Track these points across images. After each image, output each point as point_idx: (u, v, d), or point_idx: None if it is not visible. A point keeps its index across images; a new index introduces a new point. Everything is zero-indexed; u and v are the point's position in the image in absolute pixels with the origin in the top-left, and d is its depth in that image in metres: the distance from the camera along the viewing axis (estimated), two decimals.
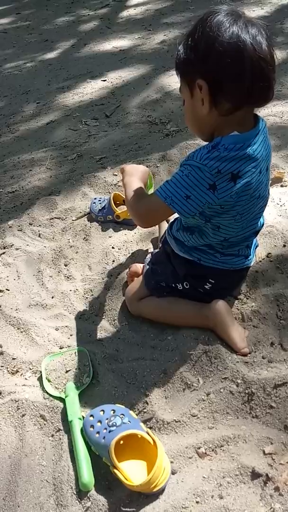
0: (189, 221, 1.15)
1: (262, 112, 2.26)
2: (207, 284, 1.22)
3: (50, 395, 1.17)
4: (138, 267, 1.44)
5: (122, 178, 1.29)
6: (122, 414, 1.03)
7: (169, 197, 1.02)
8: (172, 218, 1.30)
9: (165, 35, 3.76)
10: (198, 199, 1.01)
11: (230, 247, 1.17)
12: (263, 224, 1.24)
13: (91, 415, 1.06)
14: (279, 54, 2.92)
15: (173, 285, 1.26)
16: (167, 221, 1.42)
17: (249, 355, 1.15)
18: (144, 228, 1.32)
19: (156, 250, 1.37)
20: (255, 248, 1.31)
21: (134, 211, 1.17)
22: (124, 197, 1.75)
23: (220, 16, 0.93)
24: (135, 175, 1.25)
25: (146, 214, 1.14)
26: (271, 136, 2.02)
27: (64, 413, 1.13)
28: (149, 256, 1.37)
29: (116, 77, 3.15)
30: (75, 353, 1.27)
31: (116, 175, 2.01)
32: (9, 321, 1.43)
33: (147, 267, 1.34)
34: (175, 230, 1.24)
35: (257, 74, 0.92)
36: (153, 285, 1.29)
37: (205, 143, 1.04)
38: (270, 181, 1.15)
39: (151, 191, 1.39)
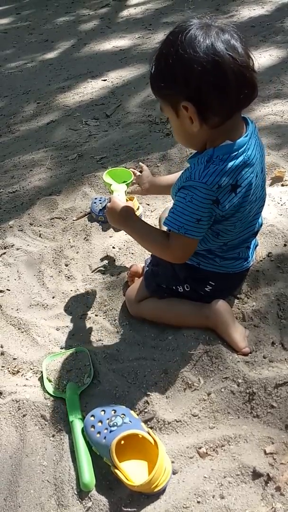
0: None
1: (262, 111, 2.25)
2: (208, 286, 1.22)
3: (51, 395, 1.17)
4: (139, 267, 1.44)
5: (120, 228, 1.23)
6: (123, 414, 1.03)
7: (182, 227, 1.01)
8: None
9: (165, 34, 3.73)
10: (207, 217, 1.01)
11: (229, 251, 1.17)
12: (261, 224, 1.24)
13: (92, 415, 1.06)
14: (279, 53, 2.93)
15: (173, 287, 1.26)
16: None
17: (250, 354, 1.15)
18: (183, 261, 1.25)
19: None
20: (255, 248, 1.31)
21: (166, 256, 1.14)
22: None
23: (191, 32, 0.89)
24: (122, 216, 1.18)
25: (178, 254, 1.10)
26: (272, 135, 2.01)
27: (65, 413, 1.13)
28: (149, 257, 1.37)
29: (117, 76, 3.14)
30: (75, 353, 1.27)
31: None
32: (10, 321, 1.43)
33: (147, 268, 1.33)
34: None
35: (242, 82, 0.91)
36: (153, 287, 1.29)
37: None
38: (265, 182, 1.15)
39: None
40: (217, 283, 1.21)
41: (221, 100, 0.92)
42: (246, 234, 1.16)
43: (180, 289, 1.25)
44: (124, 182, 1.43)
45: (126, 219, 1.18)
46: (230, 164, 0.97)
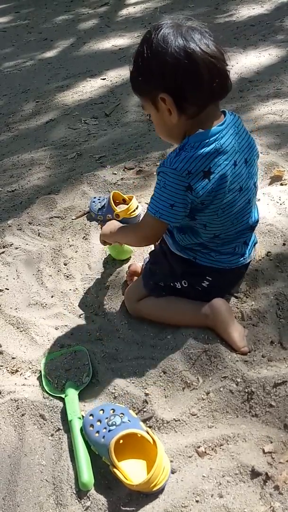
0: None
1: (261, 110, 2.25)
2: (205, 281, 1.22)
3: (50, 395, 1.17)
4: (138, 266, 1.44)
5: (109, 238, 1.36)
6: (122, 413, 1.03)
7: (157, 212, 1.06)
8: None
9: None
10: (181, 203, 1.04)
11: (224, 245, 1.17)
12: (257, 220, 1.24)
13: (91, 414, 1.06)
14: (279, 52, 2.92)
15: (171, 284, 1.26)
16: None
17: (248, 354, 1.15)
18: (150, 244, 1.38)
19: (153, 250, 1.38)
20: (254, 245, 1.30)
21: (136, 238, 1.24)
22: (123, 196, 1.76)
23: (163, 30, 0.97)
24: (111, 227, 1.33)
25: (146, 232, 1.16)
26: (271, 135, 2.01)
27: (63, 412, 1.13)
28: (147, 256, 1.37)
29: (116, 75, 3.14)
30: (74, 352, 1.27)
31: (115, 174, 2.01)
32: (9, 321, 1.43)
33: (145, 267, 1.34)
34: (171, 230, 1.25)
35: (214, 72, 0.97)
36: (151, 285, 1.29)
37: None
38: (255, 174, 1.15)
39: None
40: (214, 278, 1.21)
41: (195, 90, 0.98)
42: (239, 227, 1.16)
43: (178, 285, 1.25)
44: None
45: (110, 232, 1.32)
46: (201, 151, 1.00)
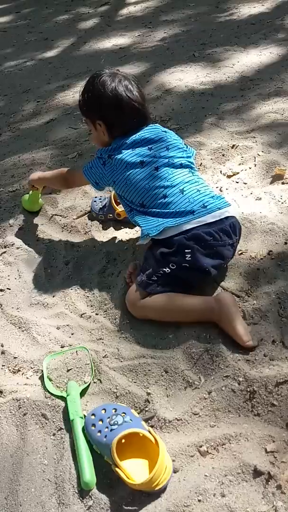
0: (117, 192, 1.51)
1: (262, 109, 2.25)
2: (186, 255, 1.25)
3: (52, 394, 1.17)
4: (138, 265, 1.44)
5: (36, 182, 1.74)
6: (124, 413, 1.03)
7: (85, 171, 1.53)
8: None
9: (165, 32, 3.75)
10: (97, 171, 1.50)
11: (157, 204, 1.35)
12: (182, 181, 1.35)
13: (93, 414, 1.06)
14: (280, 51, 2.92)
15: (161, 271, 1.28)
16: None
17: (250, 352, 1.15)
18: (68, 188, 1.87)
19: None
20: (219, 199, 1.35)
21: (61, 179, 1.68)
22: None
23: (103, 77, 1.44)
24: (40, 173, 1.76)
25: (69, 180, 1.68)
26: (272, 133, 2.02)
27: (65, 412, 1.13)
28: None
29: None
30: (76, 352, 1.27)
31: None
32: (10, 320, 1.43)
33: (138, 270, 1.39)
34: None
35: (133, 113, 1.43)
36: (145, 282, 1.29)
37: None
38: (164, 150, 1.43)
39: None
40: (192, 249, 1.24)
41: (120, 122, 1.44)
42: (151, 192, 1.36)
43: (167, 270, 1.28)
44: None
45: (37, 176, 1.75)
46: (112, 146, 1.48)
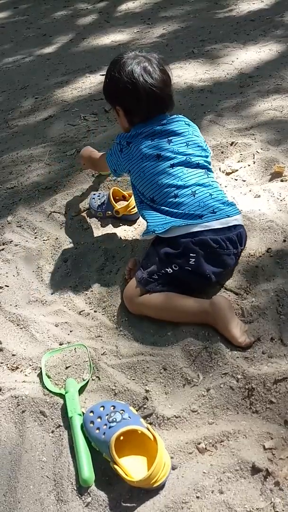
0: (132, 183, 1.47)
1: (261, 106, 2.24)
2: (191, 259, 1.24)
3: (50, 391, 1.17)
4: (136, 261, 1.43)
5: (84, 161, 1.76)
6: (122, 410, 1.03)
7: (107, 158, 1.51)
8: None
9: (164, 28, 3.73)
10: (116, 157, 1.48)
11: (167, 202, 1.33)
12: (196, 183, 1.33)
13: (91, 411, 1.06)
14: (279, 47, 2.91)
15: (162, 271, 1.28)
16: None
17: (249, 350, 1.15)
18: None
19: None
20: (230, 206, 1.34)
21: (91, 162, 1.73)
22: (123, 192, 1.76)
23: (122, 60, 1.38)
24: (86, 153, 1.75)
25: (95, 163, 1.71)
26: (271, 131, 2.01)
27: (64, 409, 1.13)
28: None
29: None
30: (74, 349, 1.27)
31: None
32: (9, 318, 1.43)
33: (139, 265, 1.37)
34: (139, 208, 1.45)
35: (150, 98, 1.35)
36: (145, 280, 1.29)
37: None
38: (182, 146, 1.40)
39: None
40: (197, 254, 1.24)
41: (137, 109, 1.40)
42: (164, 190, 1.33)
43: (170, 270, 1.27)
44: None
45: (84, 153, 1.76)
46: (131, 133, 1.44)
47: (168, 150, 1.38)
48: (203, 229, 1.26)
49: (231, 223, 1.30)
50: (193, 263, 1.25)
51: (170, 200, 1.33)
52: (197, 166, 1.38)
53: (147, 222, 1.37)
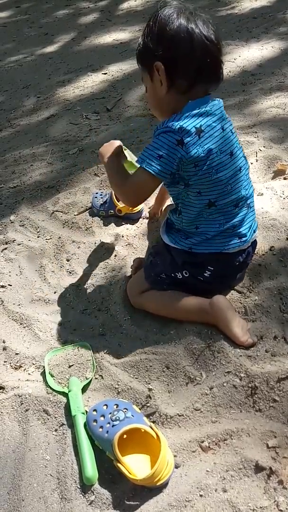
0: (173, 191, 1.21)
1: (264, 104, 2.24)
2: (206, 271, 1.22)
3: (53, 390, 1.17)
4: (142, 261, 1.43)
5: (102, 163, 1.33)
6: (125, 409, 1.03)
7: (144, 161, 1.10)
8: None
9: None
10: (169, 156, 1.08)
11: (220, 217, 1.17)
12: (251, 194, 1.23)
13: (94, 410, 1.06)
14: (281, 45, 2.90)
15: (172, 274, 1.26)
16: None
17: (252, 348, 1.15)
18: (135, 205, 1.52)
19: (156, 244, 1.37)
20: (254, 232, 1.27)
21: (121, 190, 1.24)
22: None
23: (169, 9, 1.08)
24: (109, 151, 1.28)
25: (129, 193, 1.21)
26: (274, 128, 2.00)
27: (67, 407, 1.13)
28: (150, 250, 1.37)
29: (117, 70, 3.12)
30: (78, 348, 1.27)
31: None
32: (12, 317, 1.43)
33: (147, 259, 1.34)
34: (170, 217, 1.28)
35: (205, 53, 1.05)
36: (153, 277, 1.29)
37: None
38: (239, 147, 1.21)
39: (127, 163, 1.31)
40: (216, 268, 1.21)
41: (186, 63, 1.06)
42: (233, 195, 1.16)
43: (179, 276, 1.25)
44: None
45: (107, 154, 1.28)
46: (193, 112, 1.09)
47: (236, 147, 1.16)
48: (235, 251, 1.20)
49: (254, 237, 1.27)
50: (208, 275, 1.22)
51: (231, 209, 1.18)
52: (246, 168, 1.22)
53: (180, 236, 1.21)
